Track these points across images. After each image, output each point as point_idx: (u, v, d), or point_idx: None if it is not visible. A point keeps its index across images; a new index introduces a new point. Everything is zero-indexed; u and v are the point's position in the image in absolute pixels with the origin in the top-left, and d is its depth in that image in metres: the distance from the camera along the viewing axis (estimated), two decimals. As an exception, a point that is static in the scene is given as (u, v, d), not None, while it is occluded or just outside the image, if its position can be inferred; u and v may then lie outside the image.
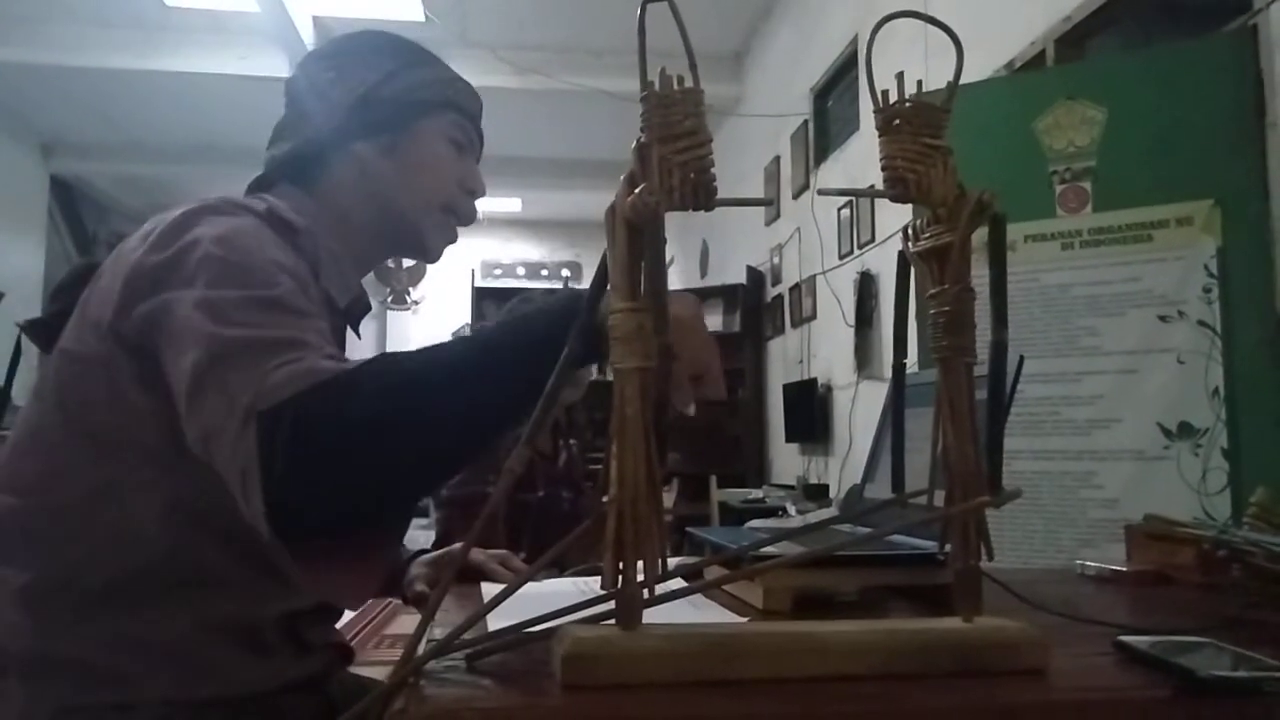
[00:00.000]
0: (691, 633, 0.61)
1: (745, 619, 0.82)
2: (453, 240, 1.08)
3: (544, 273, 10.62)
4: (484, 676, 0.62)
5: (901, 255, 0.71)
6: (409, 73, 1.01)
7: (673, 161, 0.64)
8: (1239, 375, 2.48)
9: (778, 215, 6.17)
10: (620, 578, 0.60)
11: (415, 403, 0.68)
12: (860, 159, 4.74)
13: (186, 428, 0.73)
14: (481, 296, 7.48)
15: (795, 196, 5.75)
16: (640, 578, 0.60)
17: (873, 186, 0.67)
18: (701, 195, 0.64)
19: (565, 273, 10.56)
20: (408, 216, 1.03)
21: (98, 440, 0.82)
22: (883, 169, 0.67)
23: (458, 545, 1.13)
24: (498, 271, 10.68)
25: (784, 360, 6.04)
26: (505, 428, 0.72)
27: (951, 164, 0.67)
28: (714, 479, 6.12)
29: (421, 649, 0.61)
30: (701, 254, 8.25)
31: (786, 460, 5.97)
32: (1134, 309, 2.64)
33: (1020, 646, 0.63)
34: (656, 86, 0.65)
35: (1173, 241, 2.61)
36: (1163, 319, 2.59)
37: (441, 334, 10.79)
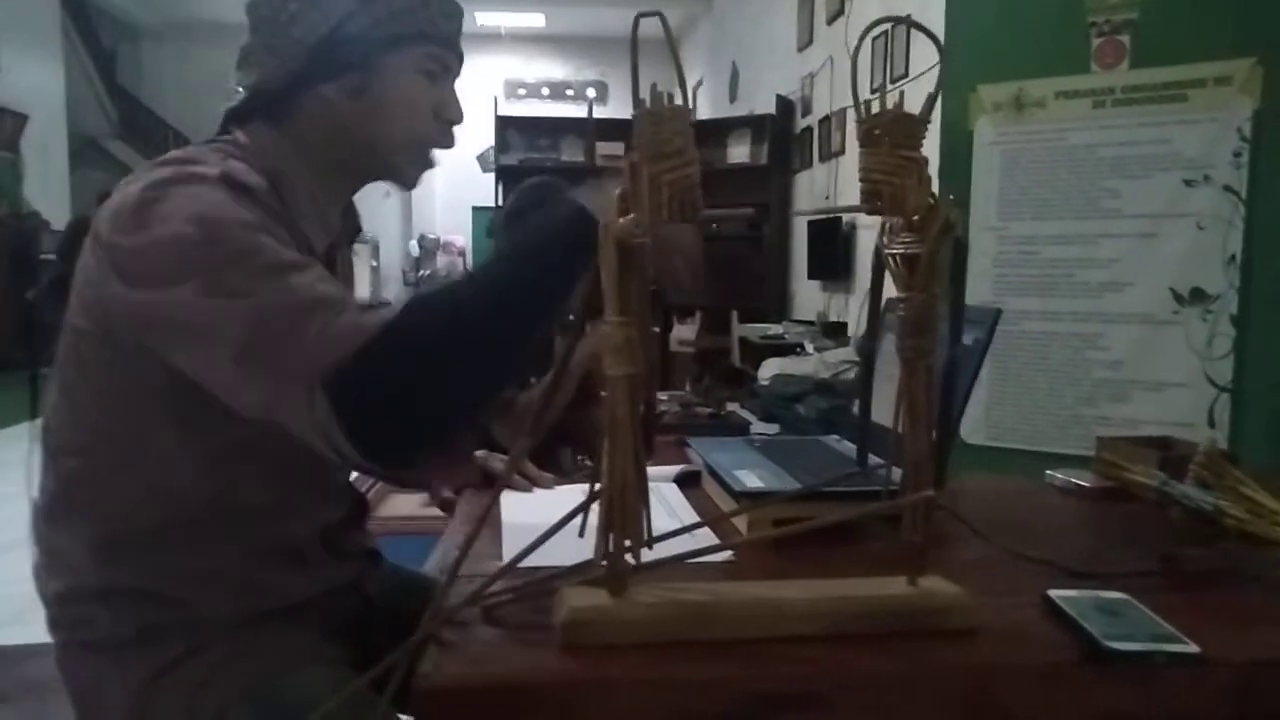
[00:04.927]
0: (669, 599, 0.72)
1: (730, 549, 0.93)
2: (431, 165, 1.05)
3: (569, 93, 10.35)
4: (496, 627, 0.74)
5: (877, 250, 0.76)
6: (375, 4, 0.95)
7: (662, 180, 0.68)
8: (1258, 243, 2.47)
9: (810, 41, 5.93)
10: (610, 554, 0.70)
11: (461, 333, 0.78)
12: (898, -14, 4.50)
13: (237, 406, 0.81)
14: (505, 126, 7.29)
15: (829, 22, 5.51)
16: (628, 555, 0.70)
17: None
18: (688, 210, 0.69)
19: (591, 93, 10.28)
20: (382, 156, 1.01)
21: (125, 404, 0.90)
22: (860, 181, 0.72)
23: (481, 452, 1.24)
24: (521, 91, 10.41)
25: (810, 195, 5.98)
26: (545, 324, 0.82)
27: (926, 176, 0.71)
28: (735, 314, 6.22)
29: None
30: (731, 77, 7.99)
31: (807, 297, 6.03)
32: (1160, 172, 2.61)
33: (953, 610, 0.73)
34: (648, 104, 0.69)
35: (1208, 102, 2.54)
36: (1188, 183, 2.56)
37: (466, 158, 10.69)
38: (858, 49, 0.71)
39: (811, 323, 5.59)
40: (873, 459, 0.84)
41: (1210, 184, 2.53)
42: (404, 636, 0.76)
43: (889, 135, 0.71)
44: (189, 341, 0.82)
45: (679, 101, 0.69)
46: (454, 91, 1.03)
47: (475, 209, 10.75)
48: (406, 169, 1.02)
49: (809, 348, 5.03)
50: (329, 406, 0.75)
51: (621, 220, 0.68)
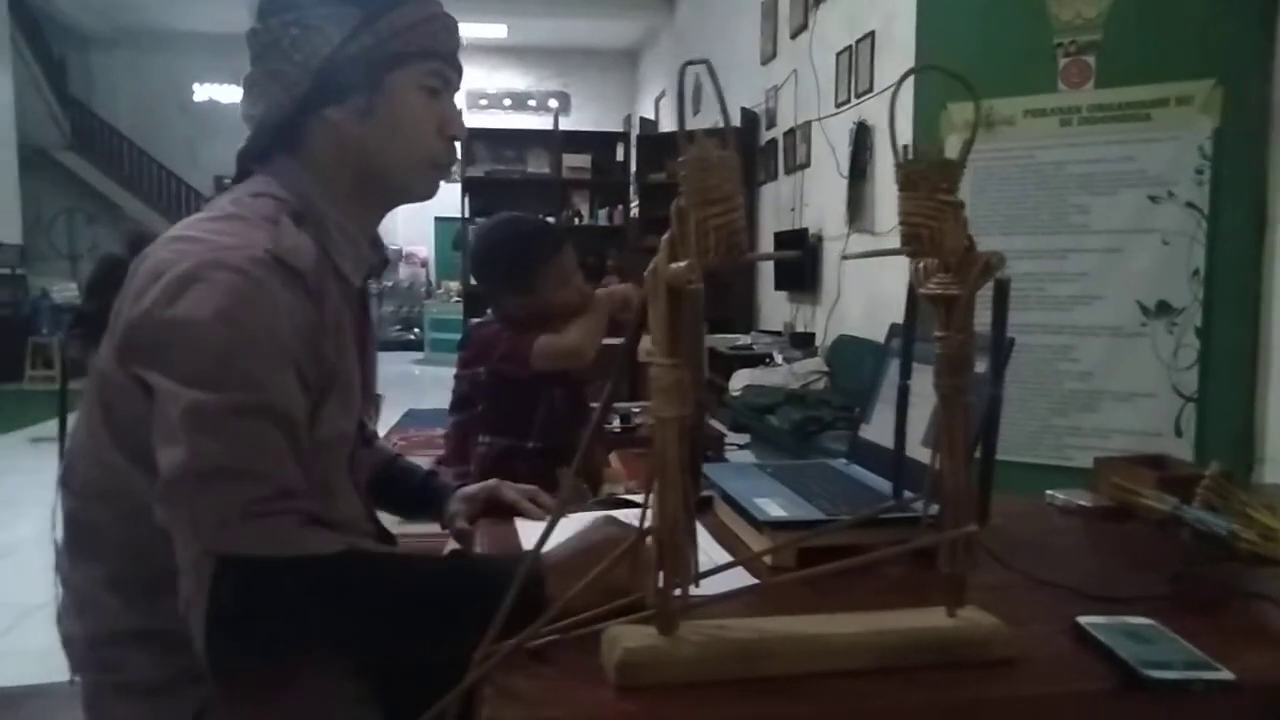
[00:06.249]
0: (720, 638, 0.73)
1: (757, 580, 0.94)
2: (444, 179, 1.06)
3: (531, 103, 10.33)
4: (545, 667, 0.74)
5: (911, 288, 0.78)
6: (377, 23, 0.94)
7: (709, 225, 0.70)
8: (1220, 257, 2.55)
9: (774, 55, 6.01)
10: (660, 593, 0.71)
11: (359, 614, 0.79)
12: (864, 1, 4.58)
13: (155, 509, 0.80)
14: (470, 137, 7.26)
15: (793, 36, 5.58)
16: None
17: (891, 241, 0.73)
18: (735, 254, 0.71)
19: (553, 103, 10.27)
20: (391, 176, 1.00)
21: (143, 453, 0.86)
22: (900, 224, 0.73)
23: (493, 480, 1.23)
24: (483, 102, 10.38)
25: (776, 207, 6.04)
26: (428, 653, 0.83)
27: (963, 218, 0.73)
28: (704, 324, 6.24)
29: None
30: (694, 89, 8.04)
31: (774, 307, 6.08)
32: (1126, 189, 2.68)
33: (993, 642, 0.75)
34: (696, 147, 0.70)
35: (1170, 121, 2.62)
36: (1153, 199, 2.64)
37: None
38: (894, 104, 0.73)
39: (779, 333, 5.64)
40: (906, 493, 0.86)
41: (1174, 200, 2.60)
42: (428, 669, 0.75)
43: (927, 179, 0.73)
44: (156, 428, 0.82)
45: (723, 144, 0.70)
46: (455, 106, 1.02)
47: (438, 219, 10.65)
48: (418, 188, 1.02)
49: (778, 358, 5.08)
50: (208, 579, 0.75)
51: (673, 266, 0.69)
